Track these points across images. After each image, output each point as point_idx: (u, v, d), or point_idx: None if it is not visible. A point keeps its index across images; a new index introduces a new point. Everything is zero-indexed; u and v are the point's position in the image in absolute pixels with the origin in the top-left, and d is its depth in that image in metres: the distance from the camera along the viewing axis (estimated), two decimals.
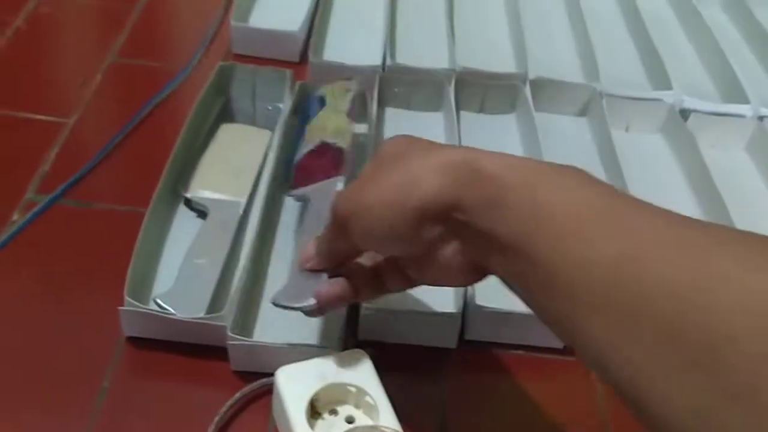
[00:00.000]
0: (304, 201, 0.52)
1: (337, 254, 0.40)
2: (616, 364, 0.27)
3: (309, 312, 0.40)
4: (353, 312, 0.47)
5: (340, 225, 0.37)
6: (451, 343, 0.48)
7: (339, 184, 0.50)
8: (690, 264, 0.26)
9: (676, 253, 0.26)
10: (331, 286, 0.40)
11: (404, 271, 0.38)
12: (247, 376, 0.44)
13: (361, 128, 0.59)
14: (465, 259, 0.35)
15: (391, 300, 0.47)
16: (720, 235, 0.28)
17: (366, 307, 0.46)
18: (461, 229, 0.33)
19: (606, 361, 0.28)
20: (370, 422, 0.39)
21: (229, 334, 0.43)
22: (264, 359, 0.43)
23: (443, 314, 0.47)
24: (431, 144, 0.36)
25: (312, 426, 0.39)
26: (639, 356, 0.26)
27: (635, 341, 0.26)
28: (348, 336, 0.46)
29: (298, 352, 0.43)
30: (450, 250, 0.35)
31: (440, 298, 0.48)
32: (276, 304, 0.41)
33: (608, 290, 0.27)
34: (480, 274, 0.36)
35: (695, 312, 0.25)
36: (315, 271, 0.41)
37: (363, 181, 0.36)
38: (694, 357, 0.24)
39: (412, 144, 0.36)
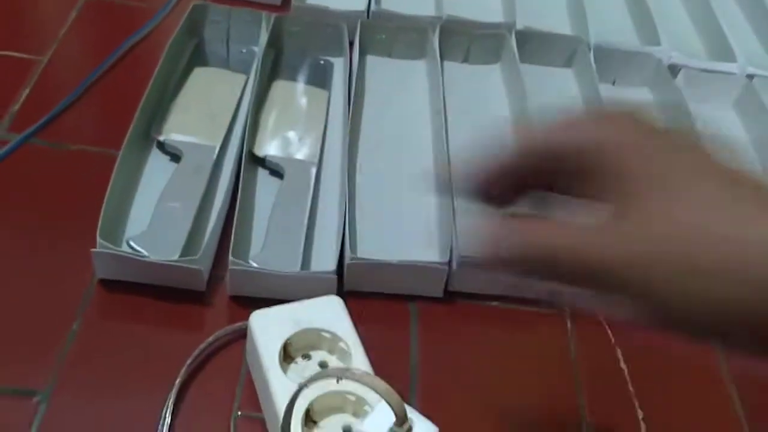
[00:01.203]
0: (279, 171, 0.51)
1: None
2: None
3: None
4: (339, 261, 0.46)
5: (543, 263, 0.28)
6: (438, 292, 0.47)
7: (314, 169, 0.50)
8: None
9: None
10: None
11: None
12: (221, 320, 0.44)
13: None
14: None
15: (377, 250, 0.47)
16: None
17: (351, 257, 0.45)
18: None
19: None
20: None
21: (231, 258, 0.43)
22: (260, 285, 0.43)
23: (429, 264, 0.46)
24: (721, 177, 0.26)
25: (285, 370, 0.39)
26: None
27: None
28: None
29: (300, 280, 0.43)
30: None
31: (426, 249, 0.47)
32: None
33: None
34: None
35: None
36: None
37: (638, 219, 0.26)
38: None
39: (696, 164, 0.26)
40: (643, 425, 0.43)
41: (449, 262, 0.46)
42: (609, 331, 0.47)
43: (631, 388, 0.45)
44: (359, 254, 0.46)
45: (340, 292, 0.46)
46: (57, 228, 0.47)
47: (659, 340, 0.45)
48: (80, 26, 0.62)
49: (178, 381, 0.40)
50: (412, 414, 0.32)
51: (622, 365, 0.46)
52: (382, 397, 0.28)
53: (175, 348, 0.42)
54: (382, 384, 0.28)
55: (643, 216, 0.26)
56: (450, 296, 0.48)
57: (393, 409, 0.28)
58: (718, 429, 0.44)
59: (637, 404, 0.44)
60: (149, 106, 0.52)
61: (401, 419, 0.28)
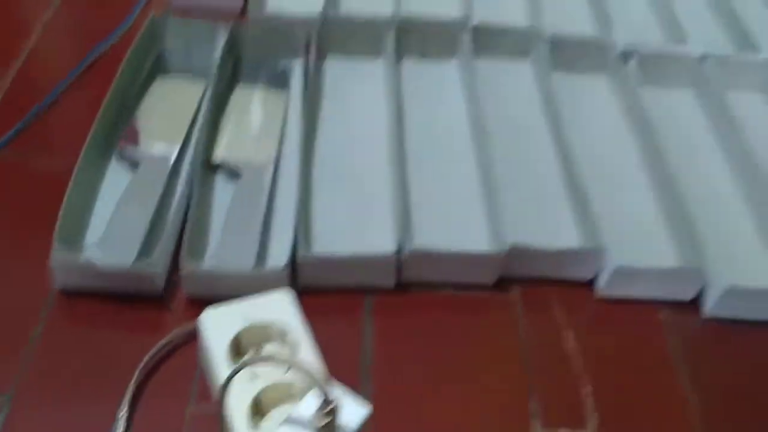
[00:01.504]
0: (234, 173, 0.52)
1: None
2: None
3: None
4: (292, 258, 0.48)
5: None
6: (389, 283, 0.49)
7: (269, 170, 0.51)
8: None
9: None
10: None
11: None
12: (179, 321, 0.45)
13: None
14: None
15: (330, 244, 0.48)
16: None
17: (303, 253, 0.47)
18: None
19: None
20: None
21: (183, 261, 0.44)
22: (215, 285, 0.45)
23: (379, 255, 0.47)
24: None
25: (235, 364, 0.40)
26: None
27: None
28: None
29: (251, 279, 0.44)
30: None
31: (378, 240, 0.49)
32: None
33: None
34: None
35: None
36: None
37: None
38: None
39: None
40: (590, 400, 0.44)
41: (399, 253, 0.48)
42: (557, 314, 0.49)
43: (577, 367, 0.46)
44: (315, 250, 0.48)
45: (298, 288, 0.47)
46: (20, 239, 0.49)
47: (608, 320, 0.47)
48: (44, 43, 0.64)
49: (132, 382, 0.42)
50: (345, 395, 0.33)
51: (570, 345, 0.47)
52: (305, 376, 0.29)
53: (133, 351, 0.43)
54: (304, 365, 0.29)
55: None
56: (405, 287, 0.49)
57: (317, 387, 0.29)
58: (665, 405, 0.45)
59: (583, 381, 0.45)
60: (108, 117, 0.54)
61: (325, 398, 0.30)
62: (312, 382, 0.29)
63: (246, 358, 0.30)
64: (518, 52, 0.66)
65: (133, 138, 0.54)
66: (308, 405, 0.32)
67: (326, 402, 0.30)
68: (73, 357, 0.43)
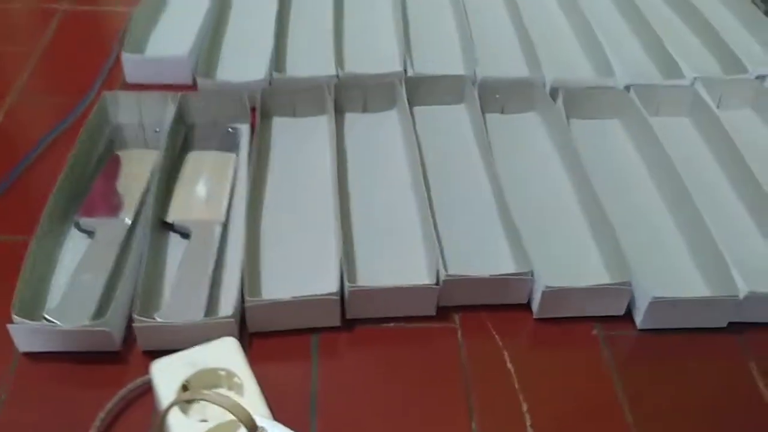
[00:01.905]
0: (186, 233, 0.56)
1: None
2: None
3: None
4: (240, 303, 0.51)
5: None
6: (335, 322, 0.51)
7: (218, 227, 0.55)
8: None
9: None
10: None
11: None
12: (137, 375, 0.48)
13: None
14: None
15: (276, 290, 0.51)
16: None
17: (249, 299, 0.50)
18: None
19: None
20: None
21: (135, 316, 0.47)
22: (167, 338, 0.47)
23: (322, 296, 0.50)
24: None
25: (186, 410, 0.43)
26: None
27: None
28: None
29: (200, 329, 0.47)
30: None
31: (321, 283, 0.51)
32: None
33: None
34: None
35: None
36: None
37: None
38: None
39: None
40: (527, 417, 0.46)
41: (341, 292, 0.51)
42: (497, 337, 0.51)
43: (516, 386, 0.48)
44: (262, 297, 0.51)
45: (247, 335, 0.50)
46: None
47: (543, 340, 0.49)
48: (7, 125, 0.68)
49: None
50: (271, 425, 0.35)
51: (509, 365, 0.49)
52: (227, 409, 0.32)
53: (92, 405, 0.46)
54: (228, 400, 0.32)
55: None
56: (349, 324, 0.52)
57: (240, 420, 0.32)
58: (600, 417, 0.47)
59: (521, 398, 0.47)
60: (64, 191, 0.57)
61: (250, 428, 0.32)
62: (234, 415, 0.32)
63: (183, 394, 0.32)
64: (452, 97, 0.71)
65: (89, 209, 0.57)
66: None
67: (251, 431, 0.32)
68: (35, 417, 0.46)
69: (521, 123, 0.70)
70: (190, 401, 0.44)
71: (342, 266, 0.52)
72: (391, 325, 0.52)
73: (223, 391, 0.44)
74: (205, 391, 0.32)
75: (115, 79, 0.73)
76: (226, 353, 0.45)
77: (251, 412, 0.33)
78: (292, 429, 0.37)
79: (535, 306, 0.52)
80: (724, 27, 0.81)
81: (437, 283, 0.51)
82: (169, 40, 0.78)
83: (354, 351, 0.51)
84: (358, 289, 0.51)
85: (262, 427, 0.33)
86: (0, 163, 0.64)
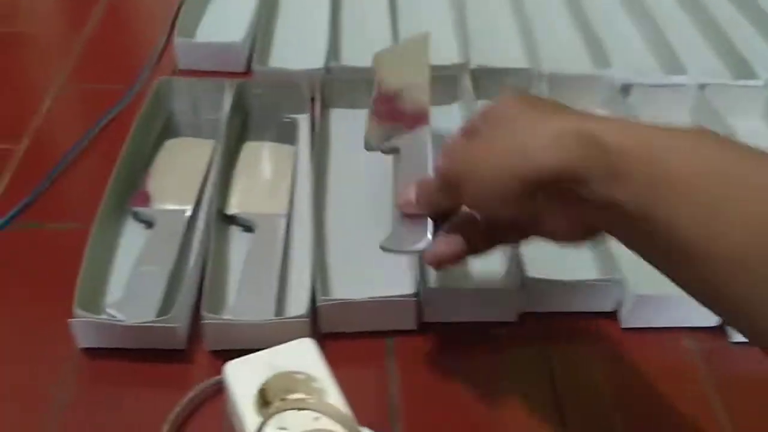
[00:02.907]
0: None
1: (439, 206, 0.40)
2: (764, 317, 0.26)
3: (422, 257, 0.42)
4: (312, 303, 0.48)
5: (447, 184, 0.38)
6: (410, 324, 0.48)
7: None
8: None
9: None
10: (446, 245, 0.40)
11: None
12: (204, 375, 0.45)
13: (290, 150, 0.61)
14: (577, 222, 0.35)
15: (348, 290, 0.48)
16: None
17: (322, 298, 0.47)
18: (576, 199, 0.32)
19: (754, 316, 0.27)
20: None
21: (204, 313, 0.44)
22: (236, 336, 0.45)
23: (398, 298, 0.47)
24: (543, 108, 0.35)
25: (262, 415, 0.40)
26: None
27: None
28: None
29: (272, 328, 0.44)
30: (561, 216, 0.35)
31: (395, 283, 0.48)
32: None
33: (751, 251, 0.26)
34: (593, 235, 0.36)
35: None
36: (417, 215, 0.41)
37: (475, 143, 0.36)
38: None
39: (524, 107, 0.35)
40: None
41: (417, 294, 0.48)
42: (584, 347, 0.48)
43: (609, 399, 0.45)
44: (333, 296, 0.48)
45: (318, 335, 0.47)
46: (40, 304, 0.49)
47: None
48: (55, 113, 0.65)
49: None
50: None
51: (600, 379, 0.46)
52: (336, 421, 0.29)
53: (158, 407, 0.43)
54: (335, 409, 0.29)
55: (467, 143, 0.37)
56: (425, 327, 0.49)
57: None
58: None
59: (618, 417, 0.44)
60: (120, 180, 0.54)
61: None
62: (342, 427, 0.29)
63: (276, 405, 0.29)
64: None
65: (147, 198, 0.55)
66: None
67: None
68: (98, 418, 0.43)
69: None
70: (266, 404, 0.41)
71: (420, 266, 0.49)
72: (468, 329, 0.49)
73: (300, 396, 0.42)
74: (312, 400, 0.29)
75: (165, 65, 0.71)
76: (304, 356, 0.42)
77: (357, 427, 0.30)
78: None
79: (623, 314, 0.49)
80: None
81: (521, 286, 0.48)
82: (220, 25, 0.75)
83: (432, 356, 0.48)
84: (435, 290, 0.48)
85: None
86: (49, 151, 0.61)
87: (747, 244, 0.26)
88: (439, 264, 0.41)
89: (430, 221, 0.41)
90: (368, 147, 0.52)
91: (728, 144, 0.29)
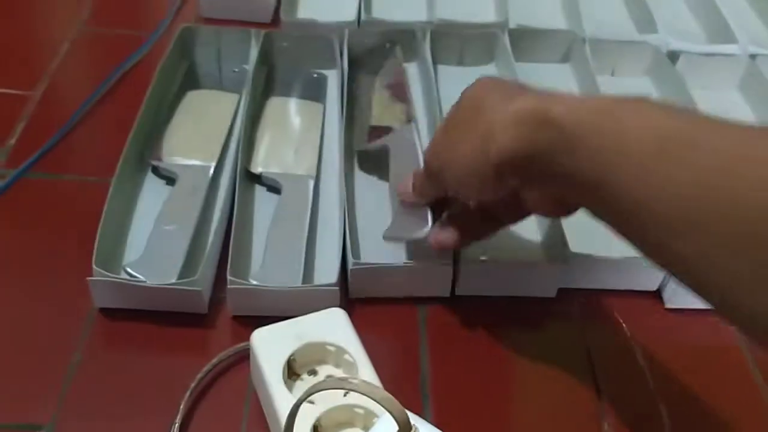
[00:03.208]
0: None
1: (429, 195, 0.43)
2: (714, 280, 0.28)
3: (420, 243, 0.44)
4: (344, 272, 0.45)
5: (431, 174, 0.41)
6: (445, 292, 0.46)
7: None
8: None
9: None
10: (444, 232, 0.43)
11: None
12: (226, 341, 0.43)
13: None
14: (553, 197, 0.36)
15: (378, 254, 0.46)
16: None
17: (355, 262, 0.44)
18: (541, 176, 0.34)
19: (703, 277, 0.28)
20: None
21: (230, 277, 0.42)
22: (262, 303, 0.43)
23: (434, 263, 0.45)
24: (508, 90, 0.37)
25: (290, 387, 0.38)
26: (739, 267, 0.26)
27: (734, 255, 0.26)
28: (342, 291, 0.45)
29: (301, 295, 0.42)
30: (536, 193, 0.37)
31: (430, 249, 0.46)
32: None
33: (703, 212, 0.27)
34: (574, 208, 0.37)
35: None
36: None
37: (449, 135, 0.39)
38: None
39: (490, 91, 0.37)
40: (665, 418, 0.41)
41: (455, 263, 0.45)
42: (624, 326, 0.46)
43: (651, 385, 0.43)
44: (363, 261, 0.45)
45: (346, 301, 0.45)
46: (56, 259, 0.47)
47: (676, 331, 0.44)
48: (72, 58, 0.62)
49: (182, 406, 0.39)
50: (419, 423, 0.30)
51: (641, 362, 0.44)
52: (381, 404, 0.26)
53: (179, 372, 0.41)
54: (380, 392, 0.27)
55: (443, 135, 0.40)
56: (458, 298, 0.47)
57: (394, 417, 0.27)
58: (742, 414, 0.42)
59: (657, 397, 0.42)
60: (141, 132, 0.52)
61: (404, 428, 0.27)
62: (388, 411, 0.27)
63: (314, 384, 0.27)
64: (559, 54, 0.64)
65: (168, 152, 0.52)
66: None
67: (404, 430, 0.27)
68: (115, 382, 0.41)
69: (634, 88, 0.63)
70: (293, 376, 0.39)
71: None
72: (504, 302, 0.46)
73: (331, 368, 0.39)
74: (354, 380, 0.27)
75: (188, 12, 0.67)
76: (334, 326, 0.40)
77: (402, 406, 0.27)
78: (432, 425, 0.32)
79: (668, 294, 0.47)
80: None
81: (563, 261, 0.46)
82: None
83: (465, 327, 0.45)
84: (473, 262, 0.45)
85: (415, 426, 0.28)
86: (67, 97, 0.58)
87: (689, 200, 0.28)
88: (441, 249, 0.44)
89: (429, 210, 0.43)
90: (356, 147, 0.54)
91: (672, 110, 0.30)
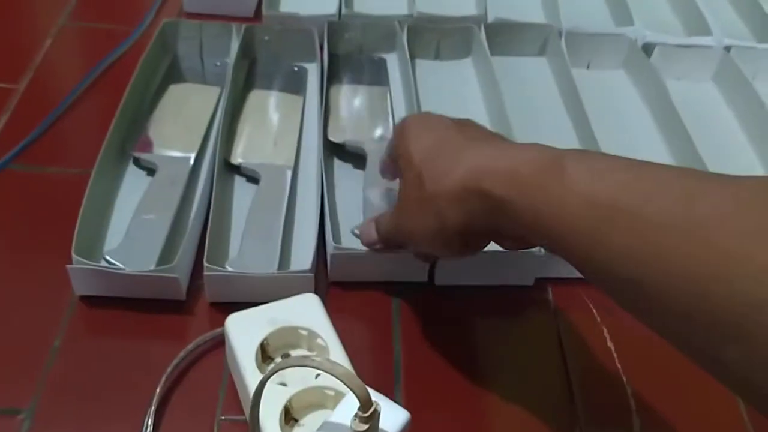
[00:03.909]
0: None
1: (401, 246, 0.43)
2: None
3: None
4: (322, 251, 0.46)
5: (398, 243, 0.42)
6: (422, 277, 0.47)
7: (289, 172, 0.52)
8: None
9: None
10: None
11: None
12: (203, 327, 0.44)
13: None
14: (524, 241, 0.39)
15: (351, 239, 0.47)
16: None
17: (335, 246, 0.45)
18: (502, 233, 0.38)
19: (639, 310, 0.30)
20: None
21: (206, 264, 0.43)
22: (238, 289, 0.44)
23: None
24: (438, 145, 0.38)
25: (263, 371, 0.39)
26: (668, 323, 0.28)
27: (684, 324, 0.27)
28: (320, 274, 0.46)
29: (276, 282, 0.43)
30: (508, 242, 0.40)
31: None
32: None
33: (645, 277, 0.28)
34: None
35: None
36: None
37: (404, 213, 0.40)
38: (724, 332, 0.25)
39: (420, 150, 0.38)
40: (632, 400, 0.42)
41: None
42: (594, 311, 0.47)
43: (618, 365, 0.44)
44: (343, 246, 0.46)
45: (327, 286, 0.46)
46: (38, 249, 0.48)
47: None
48: (56, 52, 0.63)
49: (158, 390, 0.40)
50: (382, 400, 0.31)
51: (609, 344, 0.45)
52: (341, 381, 0.28)
53: (156, 358, 0.42)
54: (341, 369, 0.28)
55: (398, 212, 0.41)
56: (436, 286, 0.48)
57: (355, 393, 0.28)
58: (714, 402, 0.43)
59: (625, 380, 0.43)
60: (123, 124, 0.52)
61: (365, 405, 0.28)
62: (348, 387, 0.28)
63: (277, 363, 0.28)
64: (536, 47, 0.65)
65: (149, 144, 0.53)
66: (345, 410, 0.31)
67: (365, 407, 0.28)
68: (94, 367, 0.42)
69: (609, 80, 0.64)
70: (267, 359, 0.40)
71: None
72: (479, 292, 0.48)
73: (303, 352, 0.40)
74: (317, 358, 0.28)
75: (172, 7, 0.68)
76: (307, 311, 0.41)
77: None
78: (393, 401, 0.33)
79: None
80: None
81: (539, 250, 0.47)
82: None
83: (439, 315, 0.46)
84: None
85: (376, 402, 0.29)
86: (50, 90, 0.59)
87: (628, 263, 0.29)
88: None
89: None
90: (333, 138, 0.55)
91: (598, 172, 0.31)
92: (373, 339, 0.45)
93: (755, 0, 0.71)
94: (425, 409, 0.41)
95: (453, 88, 0.62)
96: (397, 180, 0.46)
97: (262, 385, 0.30)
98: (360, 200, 0.51)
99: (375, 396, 0.30)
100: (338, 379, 0.28)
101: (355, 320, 0.45)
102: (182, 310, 0.45)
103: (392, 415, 0.31)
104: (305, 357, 0.30)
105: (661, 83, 0.60)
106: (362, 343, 0.44)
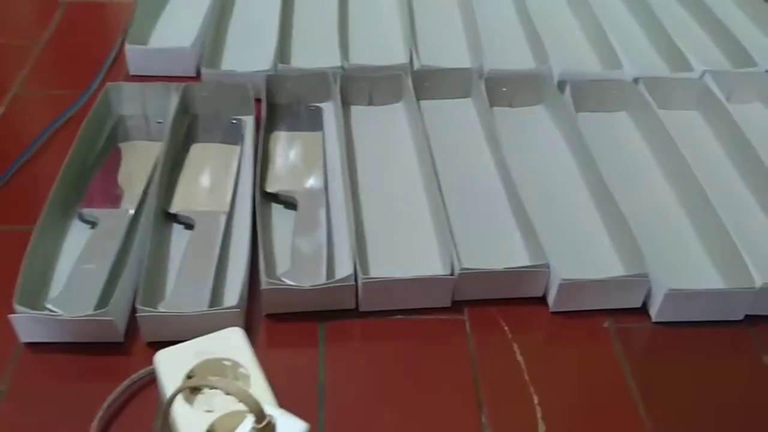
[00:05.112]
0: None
1: None
2: None
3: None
4: (255, 285, 0.50)
5: None
6: (350, 304, 0.50)
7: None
8: None
9: None
10: None
11: None
12: (140, 366, 0.46)
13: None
14: None
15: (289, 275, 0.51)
16: None
17: (268, 281, 0.49)
18: None
19: None
20: None
21: (138, 306, 0.46)
22: (171, 328, 0.46)
23: (337, 283, 0.50)
24: None
25: (191, 401, 0.42)
26: None
27: None
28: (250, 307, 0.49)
29: (205, 319, 0.46)
30: None
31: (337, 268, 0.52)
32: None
33: None
34: None
35: None
36: None
37: None
38: None
39: None
40: (538, 409, 0.45)
41: (355, 279, 0.50)
42: (506, 329, 0.50)
43: (527, 377, 0.47)
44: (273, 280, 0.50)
45: (257, 319, 0.49)
46: None
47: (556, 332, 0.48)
48: (8, 119, 0.67)
49: (93, 428, 0.43)
50: (281, 415, 0.34)
51: (519, 358, 0.48)
52: (236, 398, 0.31)
53: (94, 398, 0.45)
54: (235, 387, 0.31)
55: None
56: (359, 314, 0.51)
57: (248, 407, 0.31)
58: (613, 410, 0.46)
59: (532, 390, 0.46)
60: (66, 182, 0.56)
61: (259, 417, 0.31)
62: (241, 401, 0.31)
63: (184, 383, 0.31)
64: (461, 90, 0.70)
65: (92, 200, 0.56)
66: (245, 426, 0.33)
67: (258, 419, 0.31)
68: (36, 409, 0.45)
69: (529, 116, 0.69)
70: (195, 390, 0.43)
71: (354, 258, 0.51)
72: (400, 316, 0.51)
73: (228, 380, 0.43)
74: (212, 378, 0.31)
75: (118, 71, 0.72)
76: (232, 343, 0.44)
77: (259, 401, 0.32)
78: (299, 417, 0.36)
79: (551, 299, 0.51)
80: (733, 22, 0.80)
81: (452, 274, 0.50)
82: (173, 31, 0.77)
83: (363, 341, 0.50)
84: (372, 280, 0.50)
85: (270, 415, 0.32)
86: (2, 154, 0.63)
87: None
88: None
89: (324, 262, 0.51)
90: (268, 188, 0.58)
91: None
92: (299, 365, 0.48)
93: (669, 37, 0.76)
94: (344, 429, 0.44)
95: (385, 131, 0.67)
96: (324, 229, 0.50)
97: (169, 403, 0.33)
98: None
99: (273, 410, 0.33)
100: (233, 396, 0.31)
101: (284, 348, 0.49)
102: (122, 351, 0.48)
103: (290, 427, 0.34)
104: (204, 378, 0.33)
105: (573, 117, 0.65)
106: (289, 370, 0.47)
